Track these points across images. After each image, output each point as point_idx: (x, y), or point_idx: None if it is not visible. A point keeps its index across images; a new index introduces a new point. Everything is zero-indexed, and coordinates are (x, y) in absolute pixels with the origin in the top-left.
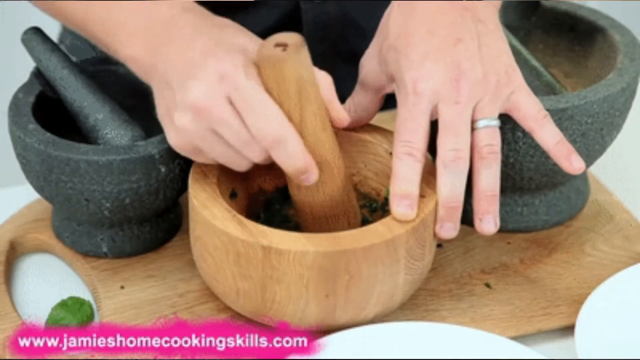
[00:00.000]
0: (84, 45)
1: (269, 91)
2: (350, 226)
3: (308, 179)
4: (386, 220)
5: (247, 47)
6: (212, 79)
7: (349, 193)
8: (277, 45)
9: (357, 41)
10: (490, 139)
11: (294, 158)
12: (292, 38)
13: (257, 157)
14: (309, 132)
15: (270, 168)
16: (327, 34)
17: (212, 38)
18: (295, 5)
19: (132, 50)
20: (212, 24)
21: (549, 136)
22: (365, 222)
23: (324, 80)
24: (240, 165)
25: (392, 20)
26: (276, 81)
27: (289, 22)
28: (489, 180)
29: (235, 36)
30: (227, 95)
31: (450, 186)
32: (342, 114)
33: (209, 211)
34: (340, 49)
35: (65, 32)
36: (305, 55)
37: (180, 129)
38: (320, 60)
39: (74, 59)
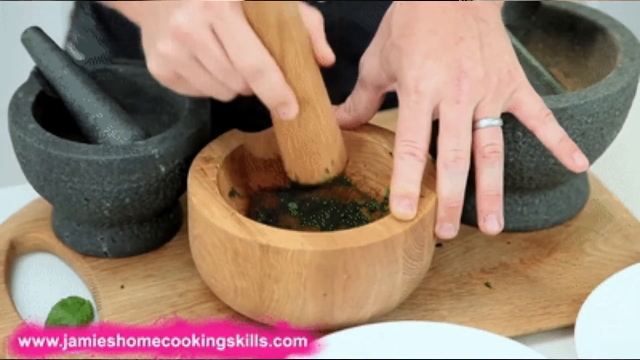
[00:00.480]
0: (91, 42)
1: (250, 24)
2: (333, 168)
3: (287, 113)
4: (384, 219)
5: None
6: (196, 6)
7: (335, 135)
8: None
9: (361, 42)
10: (492, 138)
11: (272, 89)
12: None
13: (238, 87)
14: (289, 67)
15: (269, 168)
16: (331, 36)
17: None
18: None
19: None
20: None
21: (551, 134)
22: (364, 222)
23: (312, 18)
24: (222, 94)
25: (394, 19)
26: (256, 14)
27: None
28: (491, 180)
29: None
30: (210, 23)
31: (450, 186)
32: (327, 51)
33: (207, 209)
34: (344, 51)
35: (73, 28)
36: None
37: (162, 54)
38: None
39: (81, 55)
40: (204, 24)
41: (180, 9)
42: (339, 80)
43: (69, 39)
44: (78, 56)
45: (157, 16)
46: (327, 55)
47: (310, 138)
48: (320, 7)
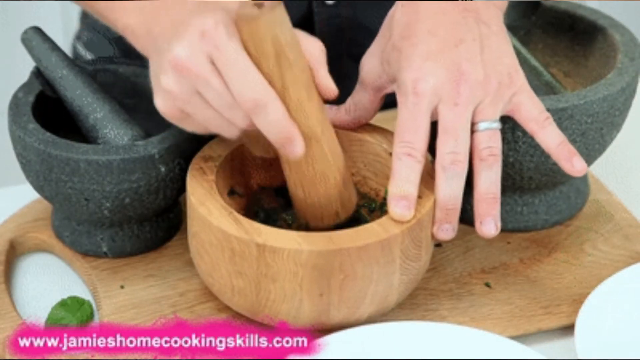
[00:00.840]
0: (100, 41)
1: (247, 52)
2: (344, 211)
3: (293, 150)
4: (382, 220)
5: (233, 7)
6: (193, 37)
7: (345, 175)
8: (254, 5)
9: (369, 43)
10: (491, 141)
11: (275, 124)
12: None
13: (242, 122)
14: (291, 99)
15: (269, 167)
16: (340, 37)
17: (203, 1)
18: (307, 8)
19: (130, 19)
20: None
21: (550, 138)
22: (363, 222)
23: (313, 47)
24: (228, 131)
25: (396, 20)
26: (252, 40)
27: (301, 25)
28: (489, 183)
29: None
30: (208, 54)
31: (448, 188)
32: (329, 83)
33: (205, 208)
34: (352, 52)
35: (83, 28)
36: (280, 14)
37: (166, 91)
38: (333, 62)
39: (90, 55)
40: (202, 54)
41: (178, 41)
42: (347, 80)
43: (78, 38)
44: (87, 55)
45: (159, 49)
46: (329, 88)
47: (319, 179)
48: (328, 8)
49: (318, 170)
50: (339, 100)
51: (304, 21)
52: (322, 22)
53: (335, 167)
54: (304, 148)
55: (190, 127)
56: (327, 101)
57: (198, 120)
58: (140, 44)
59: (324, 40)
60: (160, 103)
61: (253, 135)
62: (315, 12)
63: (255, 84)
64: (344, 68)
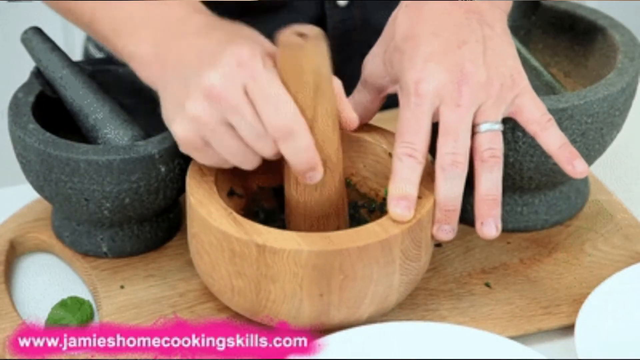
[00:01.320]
0: None
1: (284, 82)
2: (339, 228)
3: (312, 177)
4: (382, 220)
5: (263, 40)
6: (230, 66)
7: (343, 194)
8: (297, 34)
9: None
10: (492, 142)
11: (303, 153)
12: (312, 30)
13: (268, 152)
14: (319, 130)
15: (269, 167)
16: (352, 38)
17: (228, 31)
18: (320, 9)
19: (140, 47)
20: (224, 23)
21: (552, 140)
22: (363, 222)
23: (335, 83)
24: (248, 161)
25: (399, 21)
26: (293, 71)
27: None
28: (490, 184)
29: (251, 32)
30: (244, 84)
31: (447, 189)
32: (352, 115)
33: (205, 209)
34: (364, 53)
35: None
36: (323, 47)
37: (193, 117)
38: (345, 64)
39: (101, 54)
40: (239, 84)
41: (214, 69)
42: (358, 82)
43: (89, 38)
44: (97, 54)
45: (185, 77)
46: (353, 120)
47: (324, 202)
48: (340, 10)
49: (325, 195)
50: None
51: (316, 23)
52: (334, 24)
53: (340, 194)
54: (322, 175)
55: (205, 159)
56: None
57: (219, 151)
58: (147, 72)
59: (335, 42)
60: (181, 129)
61: None
62: (328, 14)
63: (288, 112)
64: (356, 69)
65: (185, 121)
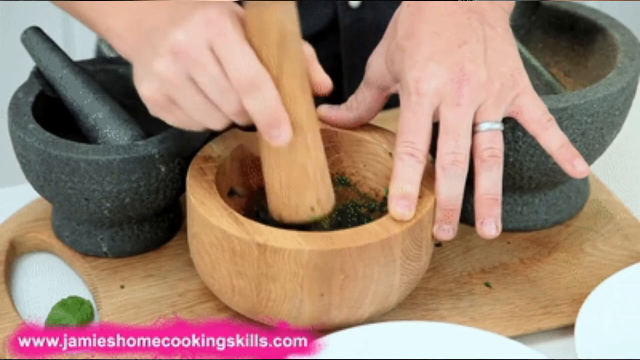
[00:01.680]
0: None
1: (250, 40)
2: (319, 207)
3: (279, 136)
4: (382, 220)
5: (234, 5)
6: (197, 23)
7: (324, 172)
8: None
9: None
10: (492, 142)
11: (267, 105)
12: None
13: (232, 108)
14: (284, 88)
15: None
16: (364, 40)
17: (201, 2)
18: (332, 12)
19: (117, 21)
20: None
21: (553, 140)
22: (363, 222)
23: (305, 48)
24: (214, 120)
25: (401, 20)
26: (257, 27)
27: (327, 29)
28: (490, 184)
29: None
30: (209, 41)
31: (447, 189)
32: (324, 77)
33: (205, 208)
34: None
35: None
36: (291, 7)
37: (157, 74)
38: (358, 65)
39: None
40: (204, 41)
41: (180, 26)
42: None
43: (101, 39)
44: (110, 54)
45: (154, 40)
46: (324, 81)
47: (298, 170)
48: (353, 12)
49: (298, 161)
50: None
51: (328, 24)
52: (347, 25)
53: (317, 162)
54: (291, 135)
55: (172, 117)
56: (326, 98)
57: (184, 108)
58: (125, 45)
59: (348, 44)
60: (147, 88)
61: (253, 134)
62: (340, 15)
63: (252, 66)
64: None
65: (152, 79)
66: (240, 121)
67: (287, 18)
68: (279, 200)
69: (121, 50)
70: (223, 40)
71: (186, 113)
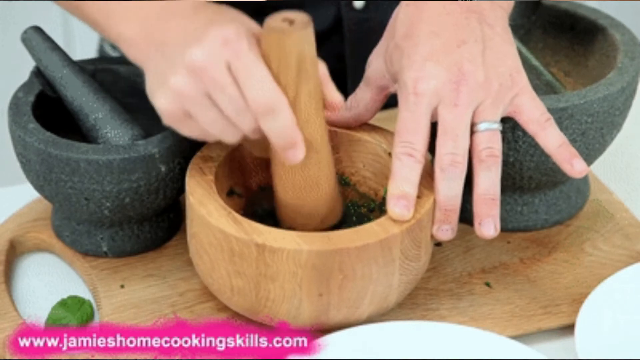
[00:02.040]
0: None
1: (267, 64)
2: (328, 220)
3: (294, 156)
4: (381, 220)
5: (249, 22)
6: (214, 43)
7: (334, 188)
8: (284, 20)
9: None
10: (491, 142)
11: (283, 129)
12: (299, 16)
13: (248, 126)
14: (301, 110)
15: (268, 167)
16: (369, 41)
17: (215, 12)
18: (336, 12)
19: (128, 27)
20: (211, 4)
21: (551, 140)
22: (362, 222)
23: (321, 68)
24: (229, 135)
25: (399, 19)
26: (277, 54)
27: (330, 30)
28: (488, 183)
29: (237, 13)
30: (227, 61)
31: (447, 189)
32: (337, 96)
33: (204, 208)
34: None
35: None
36: (310, 33)
37: (174, 90)
38: (362, 66)
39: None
40: (222, 61)
41: (198, 45)
42: None
43: (103, 39)
44: (113, 53)
45: (169, 53)
46: (337, 100)
47: (310, 185)
48: (357, 13)
49: (312, 177)
50: None
51: (332, 25)
52: (351, 27)
53: (328, 178)
54: (304, 154)
55: (188, 130)
56: None
57: (200, 123)
58: (136, 52)
59: (352, 44)
60: (162, 100)
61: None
62: (344, 16)
63: (269, 89)
64: None
65: (168, 94)
66: (254, 137)
67: (306, 46)
68: (289, 212)
69: (131, 55)
70: (240, 62)
71: (201, 127)
